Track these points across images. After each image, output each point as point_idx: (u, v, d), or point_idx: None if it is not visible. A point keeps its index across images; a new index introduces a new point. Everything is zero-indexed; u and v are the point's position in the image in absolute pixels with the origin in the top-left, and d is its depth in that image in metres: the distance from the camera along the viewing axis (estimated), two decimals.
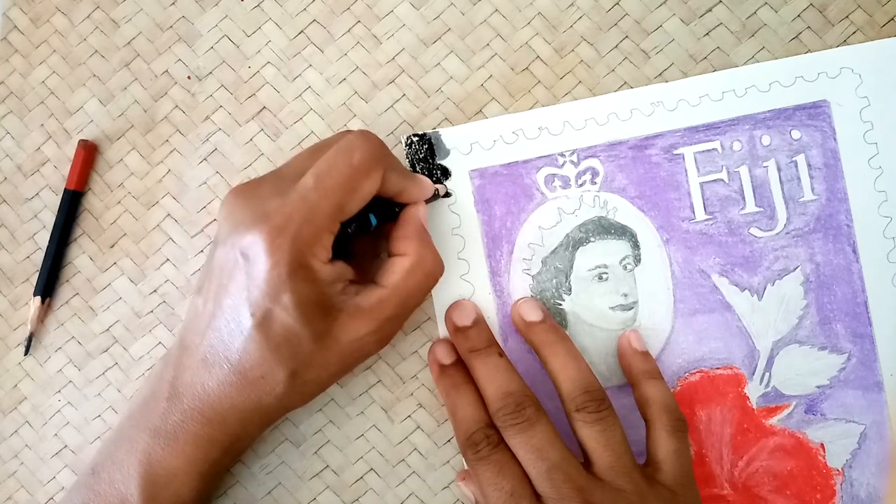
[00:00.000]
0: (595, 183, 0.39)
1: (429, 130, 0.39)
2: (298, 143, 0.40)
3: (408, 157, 0.39)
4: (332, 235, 0.32)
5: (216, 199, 0.40)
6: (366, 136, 0.34)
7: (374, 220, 0.35)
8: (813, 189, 0.39)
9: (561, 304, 0.39)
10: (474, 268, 0.39)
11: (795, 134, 0.39)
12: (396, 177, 0.34)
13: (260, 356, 0.31)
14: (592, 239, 0.39)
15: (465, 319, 0.37)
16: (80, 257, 0.40)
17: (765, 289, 0.38)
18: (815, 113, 0.39)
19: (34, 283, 0.40)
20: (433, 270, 0.35)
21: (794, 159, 0.39)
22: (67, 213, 0.40)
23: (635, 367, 0.37)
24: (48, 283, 0.40)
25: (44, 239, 0.40)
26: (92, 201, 0.41)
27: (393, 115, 0.40)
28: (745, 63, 0.39)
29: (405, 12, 0.40)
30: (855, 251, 0.38)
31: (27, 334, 0.40)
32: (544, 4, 0.39)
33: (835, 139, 0.38)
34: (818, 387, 0.38)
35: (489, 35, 0.40)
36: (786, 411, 0.38)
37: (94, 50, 0.41)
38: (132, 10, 0.41)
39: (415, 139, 0.39)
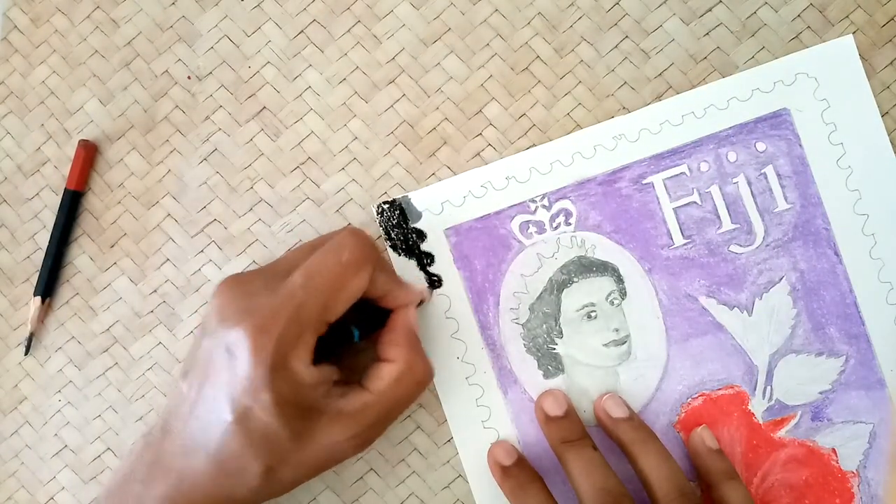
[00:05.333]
0: (569, 224, 0.39)
1: (397, 196, 0.39)
2: (298, 143, 0.40)
3: (381, 225, 0.39)
4: (317, 335, 0.33)
5: (216, 199, 0.40)
6: (356, 234, 0.34)
7: (356, 335, 0.35)
8: (786, 198, 0.38)
9: (555, 349, 0.39)
10: (463, 325, 0.39)
11: (760, 146, 0.39)
12: (384, 278, 0.35)
13: (237, 450, 0.31)
14: (575, 279, 0.39)
15: (557, 409, 0.37)
16: (81, 257, 0.40)
17: (753, 304, 0.38)
18: (776, 122, 0.39)
19: (34, 283, 0.40)
20: (422, 379, 0.35)
21: (762, 171, 0.39)
22: (67, 213, 0.40)
23: (713, 468, 0.36)
24: (48, 283, 0.40)
25: (44, 239, 0.40)
26: (92, 201, 0.41)
27: (393, 115, 0.40)
28: (745, 63, 0.39)
29: (405, 12, 0.40)
30: (837, 253, 0.38)
31: (27, 334, 0.40)
32: (544, 4, 0.40)
33: (800, 145, 0.38)
34: (821, 392, 0.38)
35: (489, 35, 0.40)
36: (792, 422, 0.38)
37: (95, 50, 0.41)
38: (132, 10, 0.41)
39: (385, 206, 0.39)
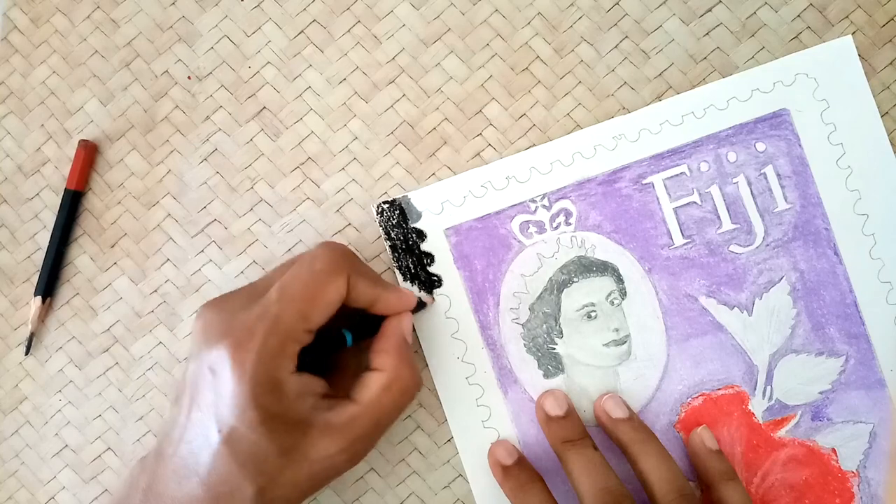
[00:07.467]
0: (570, 224, 0.39)
1: (397, 196, 0.39)
2: (298, 143, 0.40)
3: (381, 225, 0.39)
4: (299, 345, 0.32)
5: (216, 199, 0.40)
6: (330, 245, 0.34)
7: (349, 338, 0.35)
8: (786, 198, 0.39)
9: (555, 349, 0.39)
10: (463, 325, 0.39)
11: (760, 146, 0.39)
12: (366, 284, 0.34)
13: (227, 472, 0.31)
14: (575, 279, 0.39)
15: (558, 409, 0.37)
16: (81, 257, 0.40)
17: (753, 304, 0.38)
18: (776, 122, 0.39)
19: (35, 283, 0.40)
20: (409, 388, 0.34)
21: (762, 171, 0.39)
22: (68, 213, 0.40)
23: (712, 468, 0.36)
24: (49, 282, 0.40)
25: (44, 239, 0.40)
26: (92, 201, 0.41)
27: (393, 115, 0.40)
28: (745, 63, 0.39)
29: (405, 12, 0.40)
30: (837, 253, 0.38)
31: (28, 334, 0.40)
32: (544, 4, 0.39)
33: (800, 145, 0.39)
34: (821, 392, 0.38)
35: (489, 35, 0.40)
36: (793, 422, 0.38)
37: (95, 50, 0.41)
38: (132, 10, 0.41)
39: (385, 206, 0.39)
